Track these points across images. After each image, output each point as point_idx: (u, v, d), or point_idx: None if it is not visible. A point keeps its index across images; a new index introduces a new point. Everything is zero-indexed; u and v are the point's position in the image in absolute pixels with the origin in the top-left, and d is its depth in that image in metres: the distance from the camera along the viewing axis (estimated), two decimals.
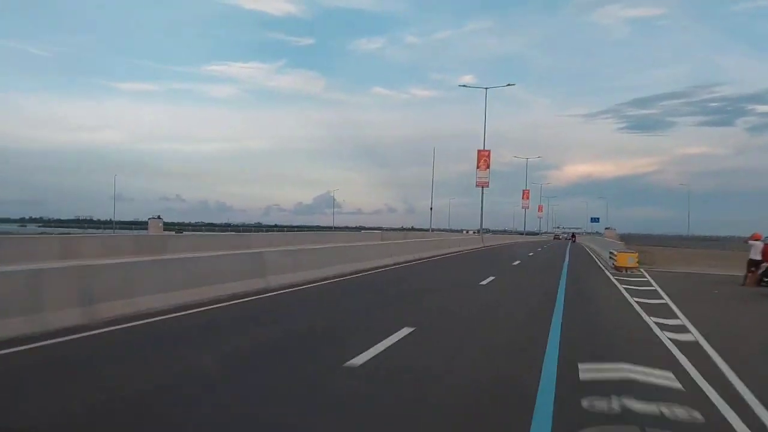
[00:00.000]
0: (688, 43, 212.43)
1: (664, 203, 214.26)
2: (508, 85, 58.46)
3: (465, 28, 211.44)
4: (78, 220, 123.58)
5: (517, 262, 26.56)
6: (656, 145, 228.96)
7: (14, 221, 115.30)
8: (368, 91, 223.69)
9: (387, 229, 57.54)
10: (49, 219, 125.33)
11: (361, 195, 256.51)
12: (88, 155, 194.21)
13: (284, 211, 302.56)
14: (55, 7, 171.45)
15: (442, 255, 29.64)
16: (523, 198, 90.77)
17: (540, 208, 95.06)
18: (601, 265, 26.85)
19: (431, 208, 66.33)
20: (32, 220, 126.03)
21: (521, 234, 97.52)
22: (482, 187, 52.85)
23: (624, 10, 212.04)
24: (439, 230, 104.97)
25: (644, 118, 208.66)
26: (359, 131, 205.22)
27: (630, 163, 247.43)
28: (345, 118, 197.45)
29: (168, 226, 70.59)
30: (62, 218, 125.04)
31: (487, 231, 65.83)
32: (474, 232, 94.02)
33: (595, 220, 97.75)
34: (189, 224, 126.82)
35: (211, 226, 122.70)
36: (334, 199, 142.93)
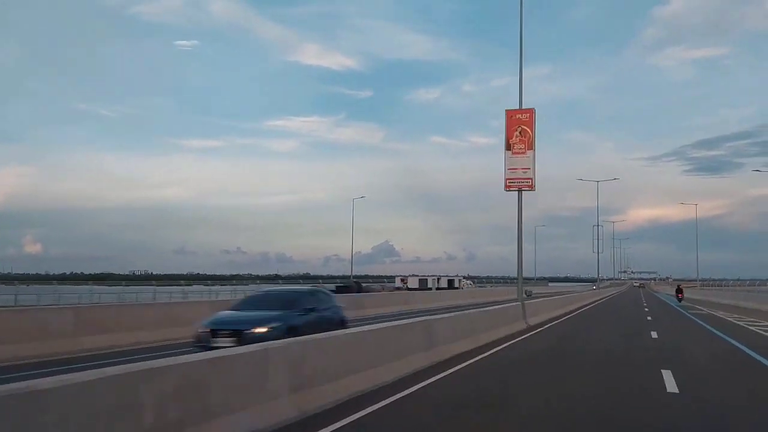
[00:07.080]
0: (753, 82, 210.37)
1: (736, 246, 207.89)
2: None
3: (523, 74, 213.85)
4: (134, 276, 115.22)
5: None
6: (724, 187, 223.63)
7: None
8: (427, 140, 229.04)
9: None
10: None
11: (420, 243, 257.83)
12: (153, 211, 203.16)
13: (343, 260, 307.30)
14: (123, 72, 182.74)
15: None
16: None
17: None
18: None
19: None
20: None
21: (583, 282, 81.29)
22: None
23: (687, 51, 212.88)
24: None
25: (710, 160, 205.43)
26: (418, 180, 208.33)
27: (698, 206, 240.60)
28: (404, 168, 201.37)
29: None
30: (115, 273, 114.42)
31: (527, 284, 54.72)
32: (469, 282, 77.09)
33: None
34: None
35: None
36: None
